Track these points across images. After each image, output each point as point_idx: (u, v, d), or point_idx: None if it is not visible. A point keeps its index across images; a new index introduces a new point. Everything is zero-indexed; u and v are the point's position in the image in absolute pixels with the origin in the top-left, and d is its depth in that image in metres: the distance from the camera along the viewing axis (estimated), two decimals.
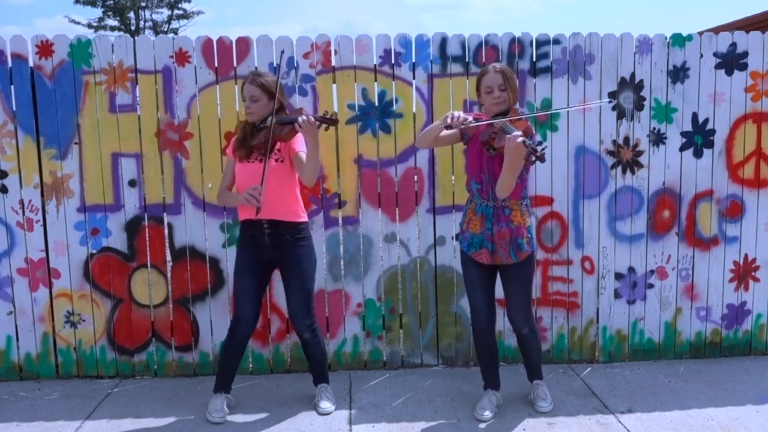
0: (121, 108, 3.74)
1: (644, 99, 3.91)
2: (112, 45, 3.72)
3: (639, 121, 3.93)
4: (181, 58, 3.73)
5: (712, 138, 3.98)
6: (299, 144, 3.31)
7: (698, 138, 3.98)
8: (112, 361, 3.93)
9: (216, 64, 3.75)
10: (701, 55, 3.92)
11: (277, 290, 3.90)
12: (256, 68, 3.70)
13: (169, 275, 3.92)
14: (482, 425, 3.29)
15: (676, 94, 3.93)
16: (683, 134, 3.97)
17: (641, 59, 3.89)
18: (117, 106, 3.74)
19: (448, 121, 3.05)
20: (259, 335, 3.91)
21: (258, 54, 3.75)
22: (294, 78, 3.78)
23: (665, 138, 3.95)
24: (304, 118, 3.11)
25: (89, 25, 29.52)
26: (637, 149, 3.95)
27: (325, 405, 3.45)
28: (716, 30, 6.82)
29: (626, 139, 3.93)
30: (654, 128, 3.94)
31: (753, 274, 4.11)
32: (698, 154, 3.99)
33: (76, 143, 3.75)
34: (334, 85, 3.82)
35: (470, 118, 3.07)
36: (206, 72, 3.75)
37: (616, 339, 4.10)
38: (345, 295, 3.97)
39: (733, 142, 3.99)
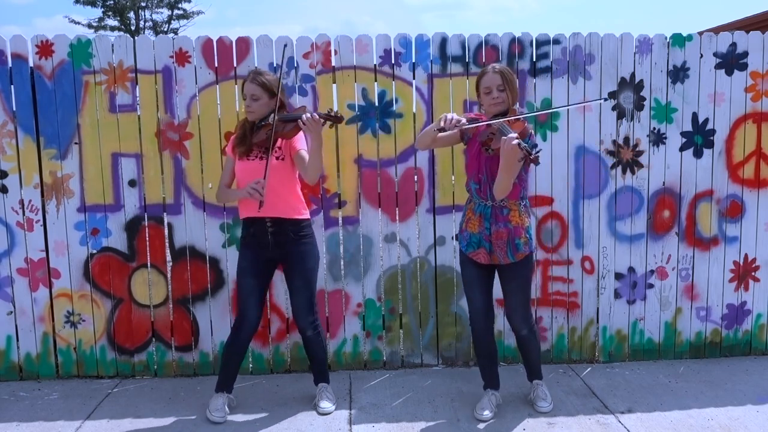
0: (121, 108, 3.75)
1: (644, 99, 3.91)
2: (112, 45, 3.72)
3: (639, 121, 3.93)
4: (181, 58, 3.73)
5: (712, 138, 3.98)
6: (300, 142, 3.32)
7: (698, 138, 3.98)
8: (112, 361, 3.93)
9: (216, 64, 3.75)
10: (701, 55, 3.92)
11: (277, 290, 3.91)
12: (256, 67, 3.70)
13: (169, 275, 3.92)
14: (482, 425, 3.29)
15: (676, 94, 3.93)
16: (683, 134, 3.97)
17: (641, 59, 3.89)
18: (117, 106, 3.74)
19: (442, 123, 3.05)
20: (259, 335, 3.91)
21: (258, 54, 3.75)
22: (294, 78, 3.78)
23: (665, 138, 3.95)
24: (308, 115, 3.11)
25: (89, 25, 29.55)
26: (637, 149, 3.95)
27: (325, 405, 3.45)
28: (716, 30, 6.82)
29: (626, 139, 3.93)
30: (654, 128, 3.94)
31: (753, 274, 4.11)
32: (698, 154, 3.99)
33: (76, 143, 3.75)
34: (334, 85, 3.82)
35: (464, 120, 3.08)
36: (206, 72, 3.75)
37: (616, 339, 4.10)
38: (345, 295, 3.97)
39: (733, 142, 3.99)
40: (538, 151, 2.93)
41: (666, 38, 3.90)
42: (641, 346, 4.11)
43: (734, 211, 4.05)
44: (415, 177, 3.91)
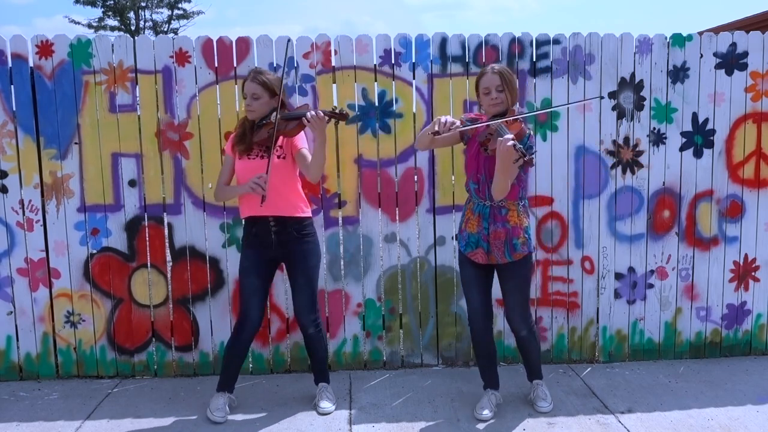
0: (121, 108, 3.75)
1: (644, 99, 3.91)
2: (112, 45, 3.72)
3: (639, 121, 3.93)
4: (181, 58, 3.73)
5: (712, 138, 3.98)
6: (301, 141, 3.32)
7: (698, 138, 3.98)
8: (112, 361, 3.93)
9: (216, 64, 3.75)
10: (701, 55, 3.92)
11: (277, 290, 3.91)
12: (256, 67, 3.70)
13: (169, 275, 3.92)
14: (482, 425, 3.29)
15: (676, 94, 3.93)
16: (683, 134, 3.97)
17: (641, 59, 3.89)
18: (117, 106, 3.74)
19: (436, 127, 3.06)
20: (259, 335, 3.90)
21: (258, 54, 3.75)
22: (294, 78, 3.78)
23: (665, 138, 3.95)
24: (313, 113, 3.11)
25: (89, 25, 29.56)
26: (637, 149, 3.95)
27: (325, 405, 3.45)
28: (716, 30, 6.82)
29: (626, 139, 3.93)
30: (654, 128, 3.94)
31: (753, 274, 4.11)
32: (698, 154, 3.99)
33: (76, 143, 3.75)
34: (334, 85, 3.82)
35: (458, 123, 3.09)
36: (206, 72, 3.75)
37: (616, 339, 4.10)
38: (345, 295, 3.97)
39: (733, 142, 3.99)
40: (532, 153, 2.93)
41: (666, 38, 3.90)
42: (641, 346, 4.11)
43: (734, 211, 4.05)
44: (415, 177, 3.91)
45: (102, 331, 3.90)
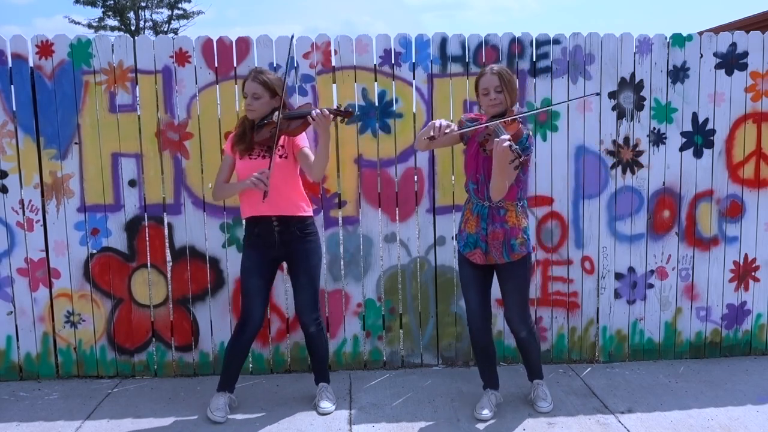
0: (121, 108, 3.75)
1: (644, 99, 3.91)
2: (112, 45, 3.72)
3: (639, 121, 3.93)
4: (181, 58, 3.73)
5: (712, 138, 3.98)
6: (302, 140, 3.32)
7: (698, 138, 3.98)
8: (112, 361, 3.93)
9: (216, 64, 3.75)
10: (701, 55, 3.92)
11: (277, 290, 3.90)
12: (257, 66, 3.69)
13: (169, 275, 3.92)
14: (482, 425, 3.29)
15: (676, 94, 3.93)
16: (683, 134, 3.97)
17: (641, 59, 3.89)
18: (117, 106, 3.74)
19: (431, 132, 3.06)
20: (259, 335, 3.89)
21: (258, 54, 3.75)
22: (294, 78, 3.78)
23: (665, 138, 3.95)
24: (318, 111, 3.11)
25: (89, 25, 29.57)
26: (637, 149, 3.95)
27: (325, 405, 3.45)
28: (716, 30, 6.82)
29: (626, 139, 3.93)
30: (654, 128, 3.94)
31: (753, 274, 4.11)
32: (698, 154, 3.99)
33: (76, 143, 3.75)
34: (334, 85, 3.82)
35: (453, 126, 3.10)
36: (206, 72, 3.75)
37: (616, 339, 4.10)
38: (345, 295, 3.97)
39: (733, 142, 3.99)
40: (527, 154, 2.92)
41: (666, 38, 3.90)
42: (641, 346, 4.11)
43: (734, 211, 4.05)
44: (415, 177, 3.91)
45: (102, 331, 3.90)
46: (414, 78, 3.83)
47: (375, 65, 3.82)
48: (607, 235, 4.00)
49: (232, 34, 3.93)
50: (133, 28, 29.97)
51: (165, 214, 3.84)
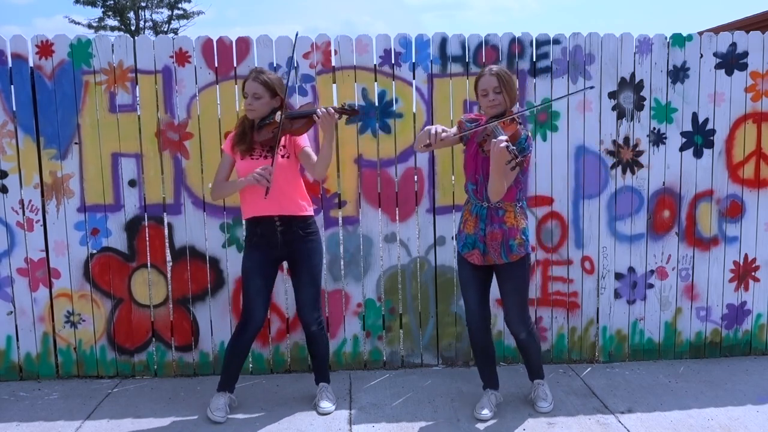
0: (121, 108, 3.75)
1: (644, 99, 3.91)
2: (112, 45, 3.72)
3: (639, 121, 3.93)
4: (181, 58, 3.73)
5: (712, 138, 3.98)
6: (304, 140, 3.32)
7: (698, 138, 3.98)
8: (112, 361, 3.93)
9: (216, 64, 3.75)
10: (701, 55, 3.92)
11: (277, 290, 3.90)
12: (257, 66, 3.69)
13: (169, 275, 3.92)
14: (482, 425, 3.29)
15: (676, 94, 3.93)
16: (683, 134, 3.97)
17: (641, 59, 3.89)
18: (117, 106, 3.74)
19: (427, 140, 3.07)
20: (259, 335, 3.90)
21: (258, 54, 3.75)
22: (294, 78, 3.78)
23: (665, 138, 3.95)
24: (323, 110, 3.11)
25: (89, 25, 29.56)
26: (637, 149, 3.95)
27: (325, 405, 3.45)
28: (716, 30, 6.82)
29: (626, 139, 3.93)
30: (654, 128, 3.94)
31: (753, 274, 4.11)
32: (698, 154, 3.99)
33: (76, 143, 3.75)
34: (334, 85, 3.82)
35: (449, 131, 3.10)
36: (206, 72, 3.75)
37: (616, 339, 4.10)
38: (345, 295, 3.97)
39: (733, 142, 3.99)
40: (524, 156, 2.92)
41: (666, 38, 3.90)
42: (641, 346, 4.11)
43: (734, 211, 4.05)
44: (415, 177, 3.91)
45: (102, 331, 3.90)
46: (414, 78, 3.83)
47: (375, 65, 3.82)
48: (607, 235, 4.00)
49: (232, 34, 3.93)
50: (133, 28, 29.98)
51: (165, 214, 3.84)
